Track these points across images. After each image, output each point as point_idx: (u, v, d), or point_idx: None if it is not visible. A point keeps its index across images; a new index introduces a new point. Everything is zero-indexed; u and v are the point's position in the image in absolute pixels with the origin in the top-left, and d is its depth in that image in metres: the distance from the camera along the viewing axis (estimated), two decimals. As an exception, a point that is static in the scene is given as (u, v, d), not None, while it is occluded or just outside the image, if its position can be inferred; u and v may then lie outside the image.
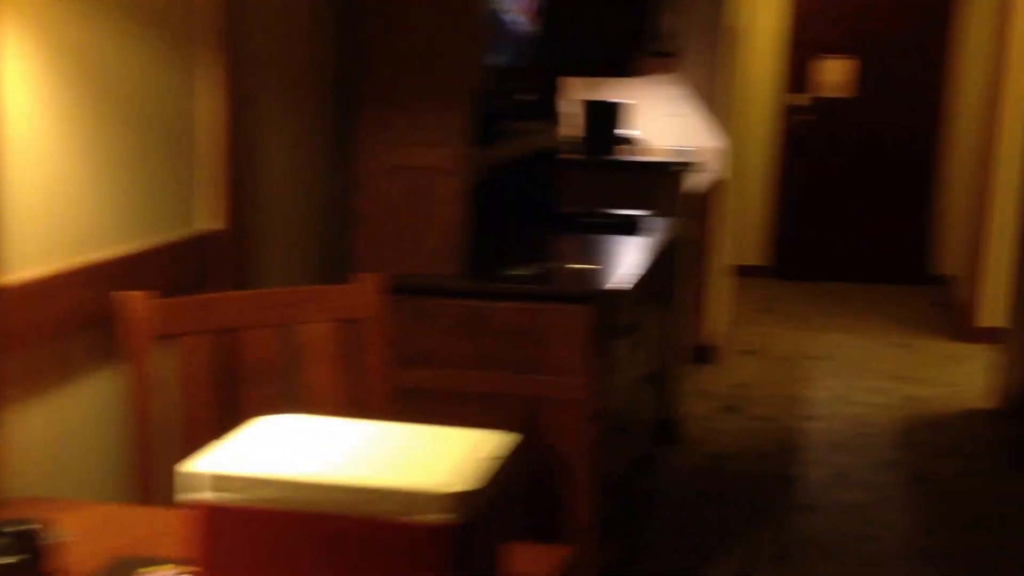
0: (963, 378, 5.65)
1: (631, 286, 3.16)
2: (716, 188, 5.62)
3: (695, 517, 3.97)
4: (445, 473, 1.26)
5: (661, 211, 4.40)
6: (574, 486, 2.97)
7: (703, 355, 5.73)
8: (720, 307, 6.04)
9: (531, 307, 2.93)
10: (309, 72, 2.95)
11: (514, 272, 3.04)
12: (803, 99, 7.91)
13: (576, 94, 5.20)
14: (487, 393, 2.96)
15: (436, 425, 1.45)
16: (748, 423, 4.96)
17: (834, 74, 7.83)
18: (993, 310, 6.06)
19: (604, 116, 4.91)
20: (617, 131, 4.91)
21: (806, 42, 7.84)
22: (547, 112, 3.79)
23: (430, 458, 1.32)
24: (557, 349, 2.93)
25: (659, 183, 4.60)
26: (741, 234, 7.52)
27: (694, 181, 4.93)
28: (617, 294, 2.96)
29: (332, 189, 3.06)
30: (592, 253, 3.40)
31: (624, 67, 4.59)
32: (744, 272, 7.64)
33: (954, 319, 6.74)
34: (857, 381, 5.57)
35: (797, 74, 7.90)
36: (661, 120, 5.55)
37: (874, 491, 4.20)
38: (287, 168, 2.85)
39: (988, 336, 5.88)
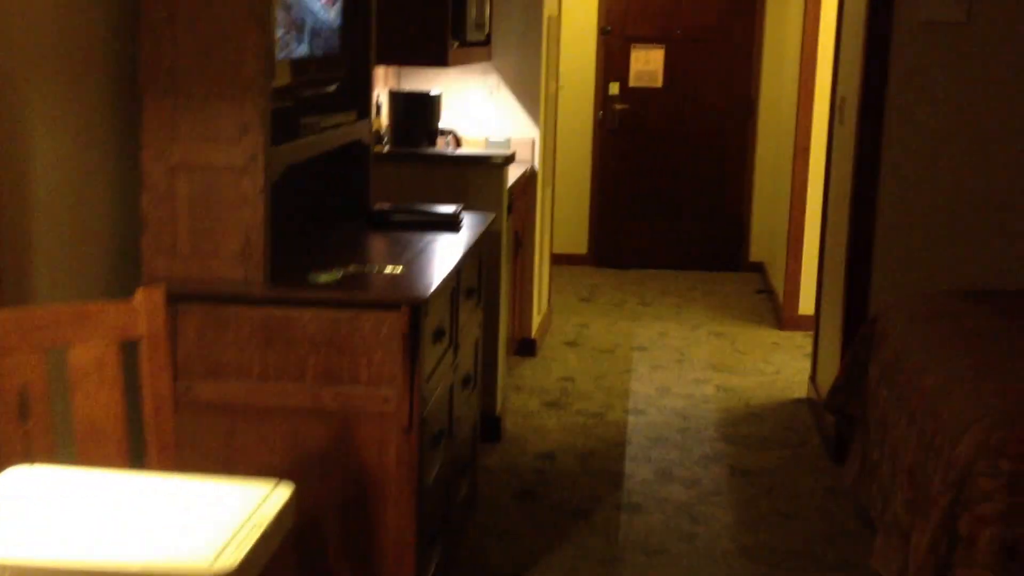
0: (784, 367, 5.69)
1: (445, 287, 3.00)
2: (532, 179, 5.51)
3: (519, 520, 3.84)
4: (205, 546, 1.06)
5: (478, 205, 4.26)
6: (389, 500, 2.81)
7: (525, 348, 5.62)
8: (541, 299, 5.94)
9: (338, 314, 2.75)
10: (88, 57, 2.67)
11: (319, 277, 2.84)
12: (615, 89, 7.89)
13: (388, 85, 5.00)
14: (292, 407, 2.77)
15: (209, 472, 1.25)
16: (572, 418, 4.86)
17: (644, 63, 7.84)
18: (810, 298, 6.13)
19: (418, 107, 4.72)
20: (431, 123, 4.74)
21: (617, 31, 7.82)
22: (355, 104, 3.58)
23: (191, 523, 1.12)
24: (367, 358, 2.76)
25: (475, 176, 4.45)
26: (559, 223, 7.46)
27: (510, 172, 4.79)
28: (430, 296, 2.79)
29: (117, 190, 2.79)
30: (405, 253, 3.22)
31: (437, 56, 4.42)
32: (563, 261, 7.58)
33: (774, 306, 6.82)
34: (679, 372, 5.55)
35: (610, 64, 7.88)
36: (476, 110, 5.40)
37: (698, 487, 4.16)
38: (62, 165, 2.56)
39: (807, 323, 5.94)
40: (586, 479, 4.21)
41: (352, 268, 2.95)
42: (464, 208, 3.89)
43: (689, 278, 7.73)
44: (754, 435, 4.70)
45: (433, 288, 2.83)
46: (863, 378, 3.95)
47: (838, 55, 4.89)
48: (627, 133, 7.94)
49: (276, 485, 1.61)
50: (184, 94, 2.69)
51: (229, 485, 1.25)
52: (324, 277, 2.85)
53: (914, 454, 3.14)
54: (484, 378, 4.31)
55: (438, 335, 3.00)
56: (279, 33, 2.82)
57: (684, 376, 5.49)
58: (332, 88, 3.41)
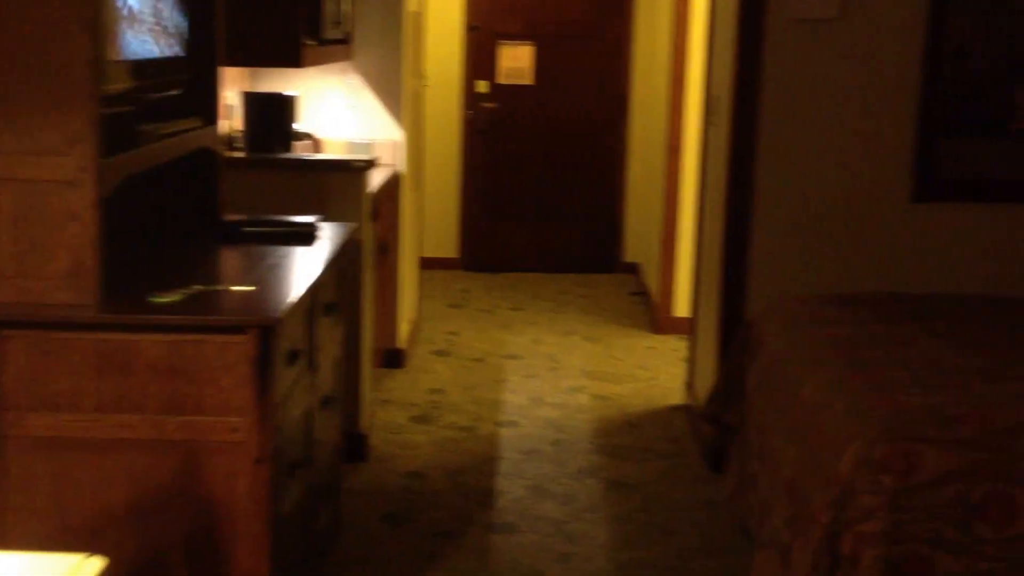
0: (659, 372, 5.59)
1: (300, 305, 2.79)
2: (398, 182, 5.31)
3: (386, 545, 3.64)
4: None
5: (338, 212, 4.05)
6: (241, 536, 2.60)
7: (392, 360, 5.42)
8: (408, 308, 5.75)
9: (181, 339, 2.52)
10: None
11: (160, 298, 2.61)
12: (485, 87, 7.73)
13: (240, 87, 4.74)
14: (132, 440, 2.55)
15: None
16: (441, 433, 4.68)
17: (514, 60, 7.69)
18: (686, 300, 6.06)
19: (272, 110, 4.48)
20: (288, 126, 4.50)
21: (485, 27, 7.65)
22: (201, 109, 3.34)
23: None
24: (214, 386, 2.55)
25: (335, 181, 4.22)
26: (428, 227, 7.27)
27: (374, 176, 4.59)
28: (282, 317, 2.58)
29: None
30: (257, 269, 2.99)
31: (292, 56, 4.18)
32: (433, 266, 7.39)
33: (649, 309, 6.73)
34: (553, 381, 5.41)
35: (478, 61, 7.71)
36: (336, 113, 5.17)
37: (573, 502, 4.01)
38: None
39: (682, 326, 5.86)
40: (457, 498, 4.03)
41: (197, 287, 2.72)
42: (324, 217, 3.68)
43: (562, 281, 7.61)
44: (630, 446, 4.58)
45: (286, 307, 2.62)
46: (740, 386, 3.86)
47: (710, 53, 4.80)
48: (497, 133, 7.79)
49: (86, 558, 1.41)
50: (5, 103, 2.44)
51: (30, 558, 1.04)
52: (165, 298, 2.62)
53: (794, 469, 3.04)
54: (348, 395, 4.10)
55: (292, 357, 2.79)
56: (117, 34, 2.57)
57: (558, 385, 5.35)
58: (176, 92, 3.16)
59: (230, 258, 3.20)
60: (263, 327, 2.53)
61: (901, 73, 4.09)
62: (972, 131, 4.16)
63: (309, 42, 4.25)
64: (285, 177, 4.21)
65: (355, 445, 4.27)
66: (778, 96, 4.12)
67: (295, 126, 4.60)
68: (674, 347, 5.92)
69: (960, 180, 4.17)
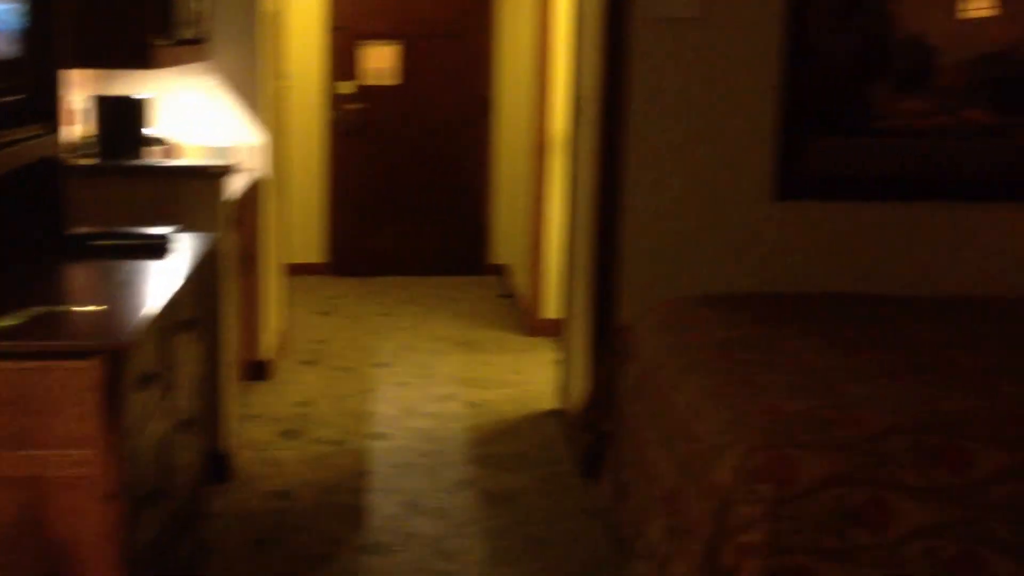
0: (532, 376, 5.51)
1: (154, 325, 2.62)
2: (259, 188, 5.12)
3: (253, 572, 3.48)
4: None
5: (196, 221, 3.87)
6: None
7: (258, 372, 5.23)
8: (274, 317, 5.56)
9: (21, 366, 2.34)
10: None
11: (-2, 322, 2.42)
12: (350, 87, 7.56)
13: (88, 90, 4.50)
14: (-31, 477, 2.35)
15: None
16: (311, 448, 4.52)
17: (379, 61, 7.54)
18: (555, 302, 6.00)
19: (124, 114, 4.26)
20: (140, 131, 4.28)
21: (349, 27, 7.48)
22: (44, 114, 3.13)
23: None
24: (58, 417, 2.36)
25: (191, 188, 4.02)
26: (294, 232, 7.07)
27: (233, 182, 4.41)
28: (135, 339, 2.41)
29: None
30: (106, 287, 2.81)
31: (143, 57, 3.98)
32: (300, 271, 7.20)
33: (518, 312, 6.66)
34: (424, 389, 5.29)
35: (342, 61, 7.53)
36: (191, 116, 4.96)
37: (448, 517, 3.90)
38: None
39: (553, 328, 5.80)
40: (327, 518, 3.88)
41: (39, 309, 2.53)
42: (180, 227, 3.49)
43: (432, 284, 7.49)
44: (505, 454, 4.49)
45: (137, 329, 2.45)
46: (615, 393, 3.80)
47: (577, 53, 4.73)
48: (363, 134, 7.62)
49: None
50: None
51: None
52: (4, 322, 2.43)
53: (671, 478, 2.99)
54: (210, 413, 3.92)
55: (145, 381, 2.62)
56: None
57: (430, 393, 5.23)
58: (13, 98, 2.95)
59: (76, 275, 3.01)
60: (112, 351, 2.36)
61: (762, 72, 4.09)
62: (833, 129, 4.18)
63: (161, 42, 4.05)
64: (137, 185, 4.00)
65: (219, 465, 4.09)
66: (645, 96, 4.08)
67: (148, 131, 4.39)
68: (545, 350, 5.86)
69: (821, 178, 4.18)
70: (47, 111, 3.16)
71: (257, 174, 5.06)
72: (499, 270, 7.68)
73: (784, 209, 4.17)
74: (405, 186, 7.72)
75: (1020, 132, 4.20)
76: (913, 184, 4.21)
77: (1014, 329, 3.58)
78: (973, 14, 4.16)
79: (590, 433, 3.97)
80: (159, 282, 2.88)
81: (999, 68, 4.17)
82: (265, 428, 4.71)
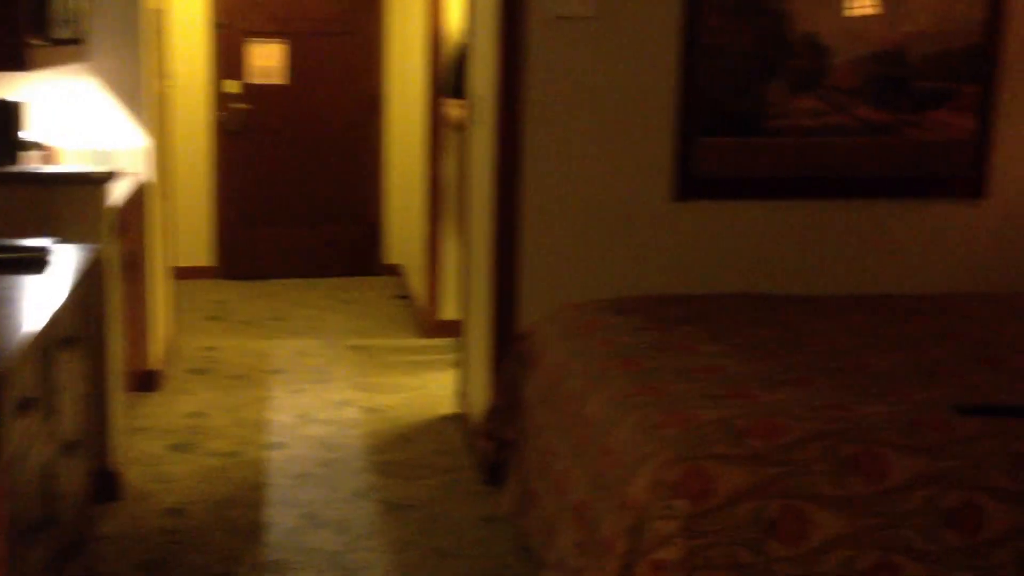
0: (429, 380, 5.40)
1: (34, 346, 2.47)
2: (143, 192, 4.92)
3: (146, 598, 3.32)
4: None
5: (77, 230, 3.68)
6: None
7: (146, 382, 5.03)
8: (162, 325, 5.36)
9: None
10: None
11: None
12: (236, 87, 7.34)
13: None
14: None
15: None
16: (203, 461, 4.35)
17: (265, 59, 7.34)
18: (452, 302, 5.91)
19: (-4, 117, 4.03)
20: (15, 136, 4.06)
21: (233, 25, 7.27)
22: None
23: None
24: (-70, 449, 2.19)
25: (70, 196, 3.82)
26: (182, 236, 6.85)
27: (116, 188, 4.22)
28: (12, 363, 2.26)
29: None
30: (-21, 304, 2.63)
31: (17, 58, 3.76)
32: (189, 275, 6.98)
33: (414, 313, 6.54)
34: (320, 395, 5.14)
35: (227, 60, 7.32)
36: (70, 120, 4.74)
37: (349, 530, 3.78)
38: None
39: (450, 329, 5.71)
40: (222, 535, 3.73)
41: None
42: (59, 238, 3.31)
43: (325, 286, 7.32)
44: (405, 462, 4.38)
45: (14, 351, 2.29)
46: (518, 400, 3.72)
47: (470, 51, 4.64)
48: (251, 134, 7.41)
49: None
50: None
51: None
52: None
53: (581, 491, 2.92)
54: (97, 431, 3.74)
55: (25, 406, 2.46)
56: None
57: (326, 399, 5.09)
58: None
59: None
60: (-13, 378, 2.20)
61: (659, 72, 4.04)
62: (730, 129, 4.16)
63: (37, 42, 3.83)
64: (13, 193, 3.78)
65: (107, 484, 3.91)
66: (542, 96, 4.00)
67: (23, 135, 4.16)
68: (442, 352, 5.76)
69: (720, 178, 4.17)
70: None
71: (141, 178, 4.86)
72: (394, 270, 7.56)
73: (684, 209, 4.13)
74: (295, 186, 7.54)
75: (911, 130, 4.23)
76: (810, 183, 4.22)
77: (916, 327, 3.60)
78: (859, 12, 4.18)
79: (492, 440, 3.89)
80: (38, 299, 2.71)
81: (889, 66, 4.20)
82: (155, 442, 4.53)
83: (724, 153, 4.16)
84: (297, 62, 7.36)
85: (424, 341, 6.04)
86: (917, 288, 4.25)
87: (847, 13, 4.15)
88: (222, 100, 7.31)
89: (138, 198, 4.79)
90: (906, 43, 4.18)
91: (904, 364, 3.17)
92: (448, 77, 5.78)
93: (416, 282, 6.63)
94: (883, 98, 4.23)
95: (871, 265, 4.25)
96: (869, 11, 4.17)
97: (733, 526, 2.50)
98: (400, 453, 4.48)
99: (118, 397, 4.05)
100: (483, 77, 4.32)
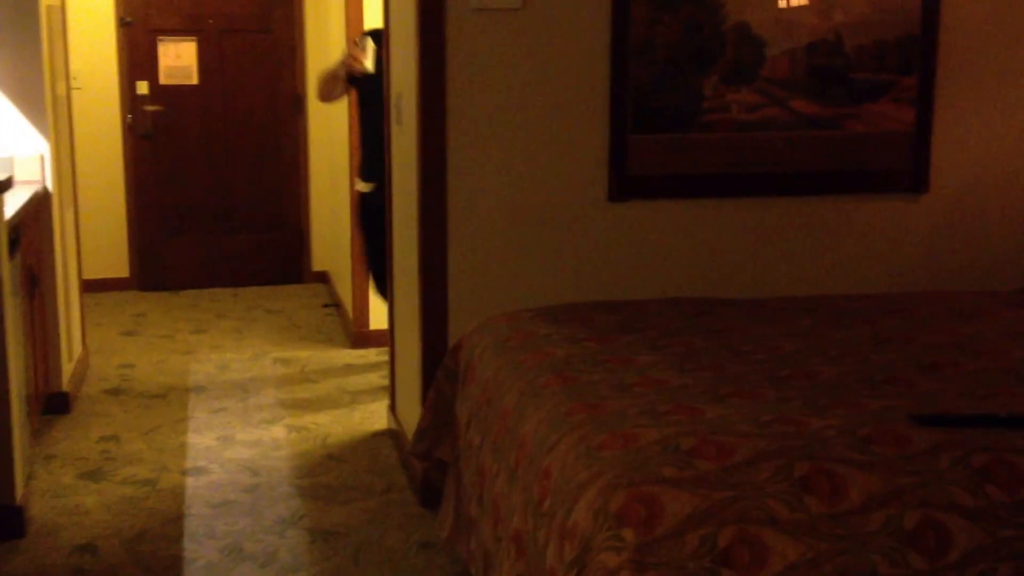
0: (360, 394, 5.17)
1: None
2: (46, 201, 4.64)
3: (53, 647, 3.07)
4: None
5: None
6: None
7: (55, 405, 4.75)
8: (72, 342, 5.08)
9: None
10: None
11: None
12: (146, 88, 7.04)
13: None
14: None
15: None
16: (117, 491, 4.08)
17: (176, 59, 7.04)
18: (382, 311, 5.69)
19: None
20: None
21: (140, 22, 6.96)
22: None
23: None
24: None
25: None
26: (92, 247, 6.55)
27: (14, 197, 3.95)
28: None
29: None
30: None
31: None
32: (99, 288, 6.69)
33: (343, 322, 6.30)
34: (244, 414, 4.89)
35: (136, 60, 7.01)
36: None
37: (274, 562, 3.54)
38: None
39: (381, 339, 5.49)
40: (138, 572, 3.48)
41: None
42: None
43: (249, 295, 7.06)
44: (335, 484, 4.15)
45: None
46: (450, 418, 3.51)
47: (389, 47, 4.42)
48: (164, 137, 7.12)
49: None
50: None
51: None
52: None
53: (519, 518, 2.72)
54: (-5, 465, 3.48)
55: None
56: None
57: (250, 418, 4.84)
58: None
59: None
60: None
61: (588, 67, 3.85)
62: (664, 126, 3.99)
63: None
64: None
65: (9, 520, 3.64)
66: (466, 94, 3.80)
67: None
68: (373, 362, 5.54)
69: (654, 177, 3.99)
70: None
71: (41, 186, 4.58)
72: (323, 278, 7.30)
73: (619, 210, 3.95)
74: (214, 191, 7.26)
75: (850, 123, 4.10)
76: (748, 180, 4.06)
77: (861, 331, 3.44)
78: (793, 1, 4.03)
79: (426, 463, 3.68)
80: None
81: (825, 57, 4.06)
82: (64, 470, 4.25)
83: (659, 151, 3.99)
84: (211, 61, 7.08)
85: (354, 352, 5.81)
86: (859, 286, 4.11)
87: (780, 3, 4.01)
88: (133, 102, 7.00)
89: (38, 208, 4.52)
90: (841, 33, 4.04)
91: (852, 371, 3.00)
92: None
93: (343, 290, 6.39)
94: (820, 90, 4.09)
95: (812, 264, 4.11)
96: (803, 0, 4.02)
97: (684, 556, 2.31)
98: (329, 475, 4.24)
99: (20, 424, 3.78)
100: (402, 74, 4.10)
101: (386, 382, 4.91)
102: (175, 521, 3.83)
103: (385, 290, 4.90)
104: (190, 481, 4.17)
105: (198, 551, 3.61)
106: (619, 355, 3.15)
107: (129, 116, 7.01)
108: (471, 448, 3.25)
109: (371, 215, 5.08)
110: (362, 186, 5.20)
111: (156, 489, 4.10)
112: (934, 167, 4.14)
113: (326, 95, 5.40)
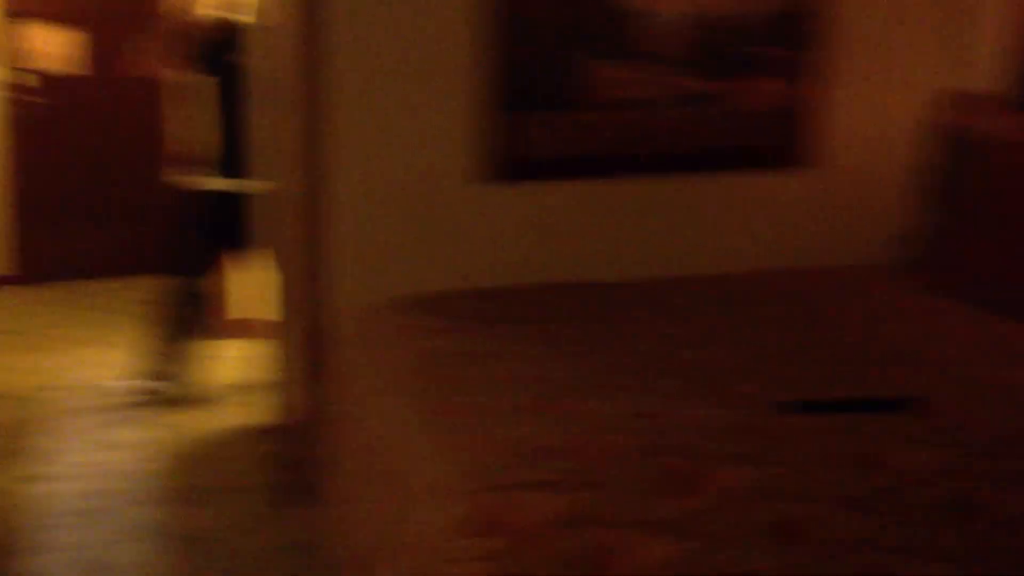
0: (225, 386, 4.95)
1: None
2: None
3: None
4: None
5: None
6: None
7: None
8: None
9: None
10: None
11: None
12: (31, 77, 6.75)
13: None
14: None
15: None
16: (-47, 502, 3.81)
17: (59, 47, 6.76)
18: (243, 299, 5.46)
19: None
20: None
21: (23, 9, 6.66)
22: None
23: None
24: None
25: None
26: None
27: None
28: None
29: None
30: None
31: None
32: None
33: (206, 312, 6.04)
34: (98, 413, 4.63)
35: (18, 48, 6.72)
36: None
37: (131, 572, 3.32)
38: None
39: (245, 330, 5.26)
40: (-23, 592, 3.25)
41: None
42: None
43: (125, 287, 6.73)
44: (196, 486, 3.94)
45: None
46: (320, 417, 3.34)
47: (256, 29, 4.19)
48: (48, 129, 6.87)
49: None
50: None
51: None
52: None
53: (384, 524, 2.57)
54: None
55: None
56: None
57: (105, 417, 4.59)
58: None
59: None
60: None
61: (467, 43, 3.67)
62: (543, 104, 3.84)
63: None
64: None
65: None
66: (345, 74, 3.57)
67: None
68: (236, 354, 5.30)
69: (536, 157, 3.84)
70: None
71: None
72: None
73: (498, 193, 3.76)
74: (101, 183, 7.02)
75: (730, 98, 4.00)
76: (629, 159, 3.93)
77: (740, 313, 3.36)
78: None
79: (297, 459, 3.50)
80: None
81: (704, 32, 3.95)
82: (-95, 484, 3.97)
83: (541, 129, 3.83)
84: (94, 49, 6.84)
85: (216, 343, 5.55)
86: (742, 265, 4.00)
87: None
88: (16, 92, 6.73)
89: None
90: (720, 6, 3.93)
91: (727, 356, 2.92)
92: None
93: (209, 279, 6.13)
94: (700, 65, 3.97)
95: (694, 243, 3.98)
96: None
97: (550, 563, 2.18)
98: (193, 476, 4.05)
99: None
100: (278, 56, 3.86)
101: (254, 376, 4.70)
102: (16, 534, 3.56)
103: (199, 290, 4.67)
104: (34, 489, 3.90)
105: (44, 564, 3.37)
106: (485, 349, 3.02)
107: (12, 107, 6.73)
108: (342, 448, 3.10)
109: (217, 212, 4.81)
110: (217, 183, 4.84)
111: None
112: (816, 142, 4.07)
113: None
